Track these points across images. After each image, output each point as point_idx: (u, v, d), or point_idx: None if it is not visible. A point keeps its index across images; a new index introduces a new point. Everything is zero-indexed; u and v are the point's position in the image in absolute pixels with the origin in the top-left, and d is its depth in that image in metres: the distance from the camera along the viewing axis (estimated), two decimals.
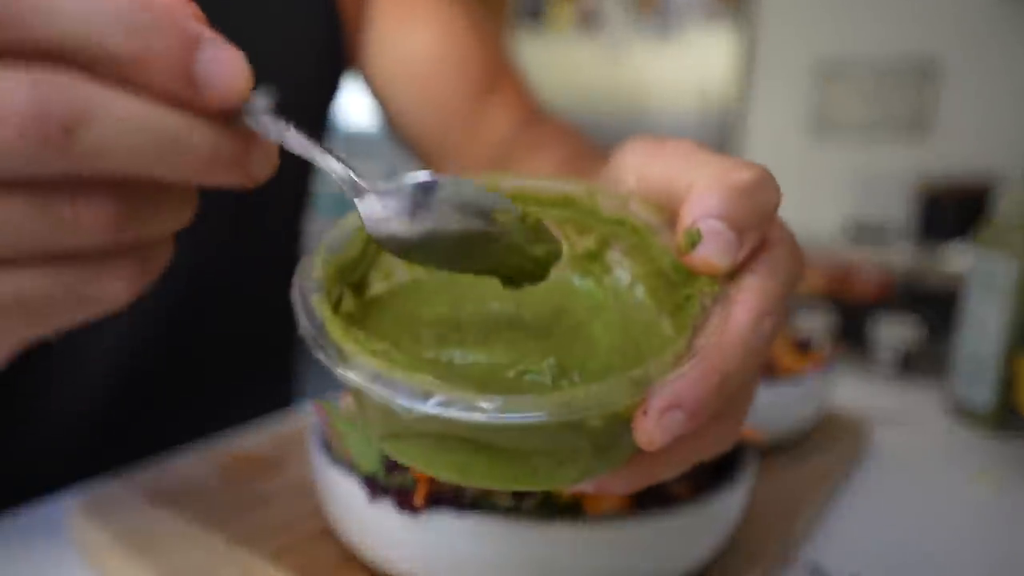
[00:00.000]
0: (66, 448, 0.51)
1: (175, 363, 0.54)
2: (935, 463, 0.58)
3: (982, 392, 0.64)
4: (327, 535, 0.38)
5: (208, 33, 0.17)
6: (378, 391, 0.19)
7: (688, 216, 0.22)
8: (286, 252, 0.60)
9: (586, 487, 0.23)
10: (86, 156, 0.16)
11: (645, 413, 0.20)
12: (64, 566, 0.38)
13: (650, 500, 0.32)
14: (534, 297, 0.27)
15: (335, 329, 0.21)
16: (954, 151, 2.21)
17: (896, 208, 2.24)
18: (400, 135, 0.58)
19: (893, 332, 0.82)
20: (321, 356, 0.20)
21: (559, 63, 2.67)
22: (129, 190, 0.18)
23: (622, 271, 0.28)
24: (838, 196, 2.38)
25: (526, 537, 0.29)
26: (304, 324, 0.21)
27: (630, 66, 2.56)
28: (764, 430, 0.38)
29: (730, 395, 0.21)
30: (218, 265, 0.54)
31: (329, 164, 0.22)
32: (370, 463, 0.33)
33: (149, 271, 0.21)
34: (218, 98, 0.17)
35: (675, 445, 0.21)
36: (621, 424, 0.21)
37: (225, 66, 0.17)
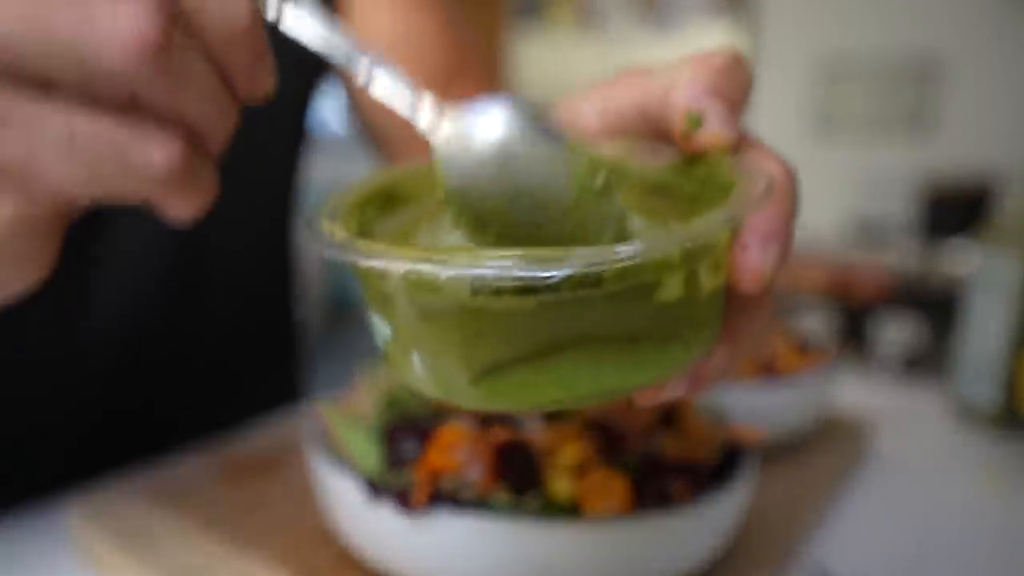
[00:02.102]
0: (64, 445, 0.51)
1: (169, 352, 0.54)
2: (938, 464, 0.58)
3: (985, 392, 0.64)
4: (326, 536, 0.37)
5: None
6: (500, 273, 0.17)
7: (683, 102, 0.23)
8: (279, 236, 0.60)
9: (695, 378, 0.23)
10: None
11: (745, 248, 0.20)
12: (63, 567, 0.38)
13: (649, 501, 0.32)
14: None
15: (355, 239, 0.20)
16: (957, 150, 2.20)
17: (899, 207, 2.24)
18: (367, 124, 0.57)
19: (895, 332, 0.82)
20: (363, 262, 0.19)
21: (559, 60, 2.66)
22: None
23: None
24: (840, 195, 2.38)
25: (526, 537, 0.29)
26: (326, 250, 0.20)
27: (630, 63, 2.54)
28: (766, 431, 0.38)
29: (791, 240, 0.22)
30: (211, 242, 0.53)
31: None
32: (369, 464, 0.33)
33: (194, 162, 0.21)
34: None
35: (752, 318, 0.22)
36: (716, 293, 0.20)
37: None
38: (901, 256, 1.13)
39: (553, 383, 0.20)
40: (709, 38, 2.43)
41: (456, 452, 0.31)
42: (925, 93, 2.25)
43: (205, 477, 0.44)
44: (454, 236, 0.22)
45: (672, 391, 0.23)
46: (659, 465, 0.33)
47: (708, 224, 0.19)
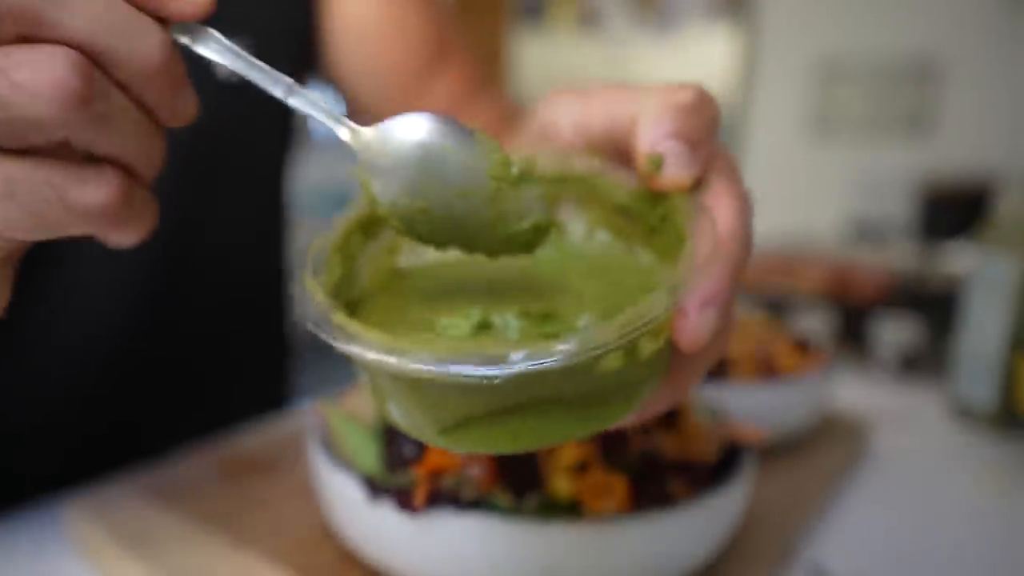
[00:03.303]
0: (63, 445, 0.51)
1: (162, 352, 0.54)
2: (936, 463, 0.58)
3: (983, 392, 0.64)
4: (326, 535, 0.38)
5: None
6: (452, 371, 0.19)
7: (646, 142, 0.24)
8: (270, 237, 0.61)
9: (641, 413, 0.24)
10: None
11: (686, 316, 0.21)
12: (62, 565, 0.38)
13: (649, 500, 0.32)
14: (507, 270, 0.27)
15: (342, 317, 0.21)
16: (955, 151, 2.20)
17: (897, 208, 2.24)
18: (348, 110, 0.57)
19: (894, 332, 0.82)
20: (350, 348, 0.20)
21: (560, 62, 2.67)
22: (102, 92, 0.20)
23: (577, 224, 0.28)
24: (839, 196, 2.38)
25: (525, 537, 0.29)
26: (308, 313, 0.21)
27: (631, 65, 2.55)
28: (765, 430, 0.38)
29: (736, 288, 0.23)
30: (201, 241, 0.53)
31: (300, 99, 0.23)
32: (369, 463, 0.33)
33: (130, 199, 0.22)
34: (181, 10, 0.21)
35: (694, 365, 0.24)
36: (659, 351, 0.22)
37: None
38: (899, 257, 1.13)
39: (507, 436, 0.22)
40: (709, 40, 2.43)
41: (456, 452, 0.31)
42: (923, 94, 2.25)
43: (204, 476, 0.44)
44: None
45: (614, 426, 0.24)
46: (658, 465, 0.33)
47: (646, 311, 0.20)
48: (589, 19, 2.60)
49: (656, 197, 0.25)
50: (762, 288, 1.00)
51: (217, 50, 0.22)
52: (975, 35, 2.16)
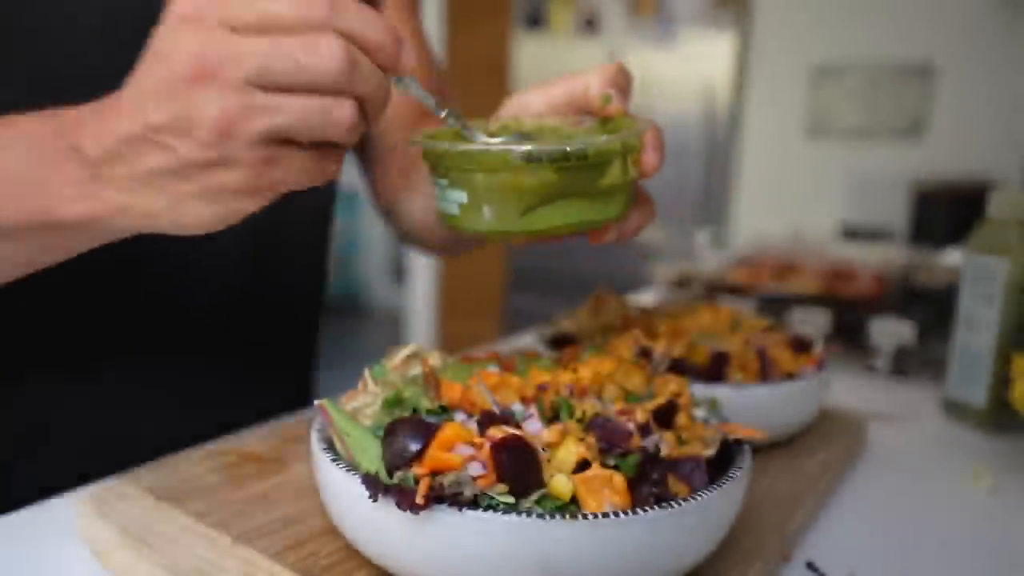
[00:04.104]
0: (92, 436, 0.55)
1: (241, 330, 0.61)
2: (930, 460, 0.58)
3: (976, 390, 0.65)
4: (330, 533, 0.38)
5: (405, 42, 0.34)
6: (549, 150, 0.36)
7: (598, 90, 0.43)
8: (323, 238, 0.70)
9: (620, 227, 0.42)
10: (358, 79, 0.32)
11: (645, 153, 0.41)
12: (71, 561, 0.38)
13: (648, 498, 0.32)
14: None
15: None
16: (948, 154, 2.21)
17: (891, 210, 2.25)
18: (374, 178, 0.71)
19: (888, 332, 0.82)
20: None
21: (559, 66, 2.68)
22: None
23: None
24: (834, 197, 2.39)
25: (526, 534, 0.29)
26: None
27: (629, 69, 2.56)
28: (761, 428, 0.38)
29: None
30: (283, 227, 0.62)
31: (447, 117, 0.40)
32: (371, 462, 0.33)
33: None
34: (404, 65, 0.35)
35: (645, 203, 0.44)
36: (631, 180, 0.41)
37: (410, 58, 0.34)
38: (894, 258, 1.14)
39: (555, 215, 0.39)
40: (705, 44, 2.45)
41: (457, 450, 0.32)
42: (915, 98, 2.27)
43: (210, 473, 0.44)
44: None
45: (610, 234, 0.43)
46: (657, 463, 0.33)
47: (631, 131, 0.40)
48: (588, 24, 2.62)
49: (605, 122, 0.44)
50: (759, 288, 1.01)
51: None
52: (968, 39, 2.17)
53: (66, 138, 0.34)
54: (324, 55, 0.31)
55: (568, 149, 0.36)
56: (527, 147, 0.36)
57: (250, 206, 0.34)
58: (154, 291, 0.55)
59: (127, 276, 0.54)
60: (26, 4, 0.46)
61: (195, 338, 0.58)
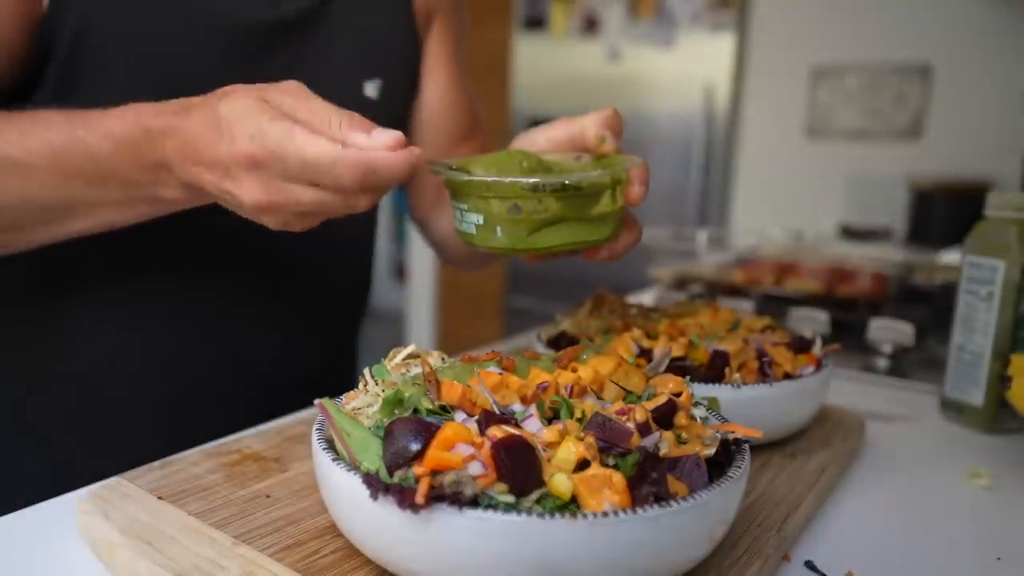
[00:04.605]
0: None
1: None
2: (928, 460, 0.58)
3: (974, 390, 0.65)
4: (330, 532, 0.38)
5: (417, 153, 0.41)
6: (547, 182, 0.44)
7: (594, 131, 0.51)
8: (369, 245, 0.78)
9: (615, 248, 0.51)
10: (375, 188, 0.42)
11: (631, 185, 0.48)
12: (72, 560, 0.38)
13: (647, 497, 0.32)
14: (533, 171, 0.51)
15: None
16: (947, 154, 2.22)
17: (890, 210, 2.25)
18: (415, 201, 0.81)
19: (887, 331, 0.83)
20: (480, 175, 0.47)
21: (560, 67, 2.68)
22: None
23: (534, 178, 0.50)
24: (833, 198, 2.39)
25: (526, 533, 0.30)
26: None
27: (628, 70, 2.56)
28: (760, 428, 0.38)
29: None
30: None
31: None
32: (372, 461, 0.33)
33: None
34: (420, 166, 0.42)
35: (633, 227, 0.52)
36: (620, 208, 0.48)
37: (420, 159, 0.41)
38: (893, 257, 1.14)
39: (556, 236, 0.47)
40: (704, 46, 2.45)
41: (457, 449, 0.32)
42: (914, 99, 2.27)
43: (210, 473, 0.44)
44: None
45: (602, 253, 0.51)
46: (656, 462, 0.33)
47: (619, 168, 0.48)
48: (588, 25, 2.62)
49: (600, 158, 0.52)
50: (758, 288, 1.01)
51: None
52: (966, 39, 2.17)
53: (155, 152, 0.44)
54: (354, 207, 0.42)
55: (567, 182, 0.45)
56: (534, 180, 0.44)
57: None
58: (221, 244, 0.63)
59: (198, 233, 0.61)
60: (154, 32, 0.54)
61: (251, 292, 0.65)
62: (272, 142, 0.39)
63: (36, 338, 0.61)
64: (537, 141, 0.54)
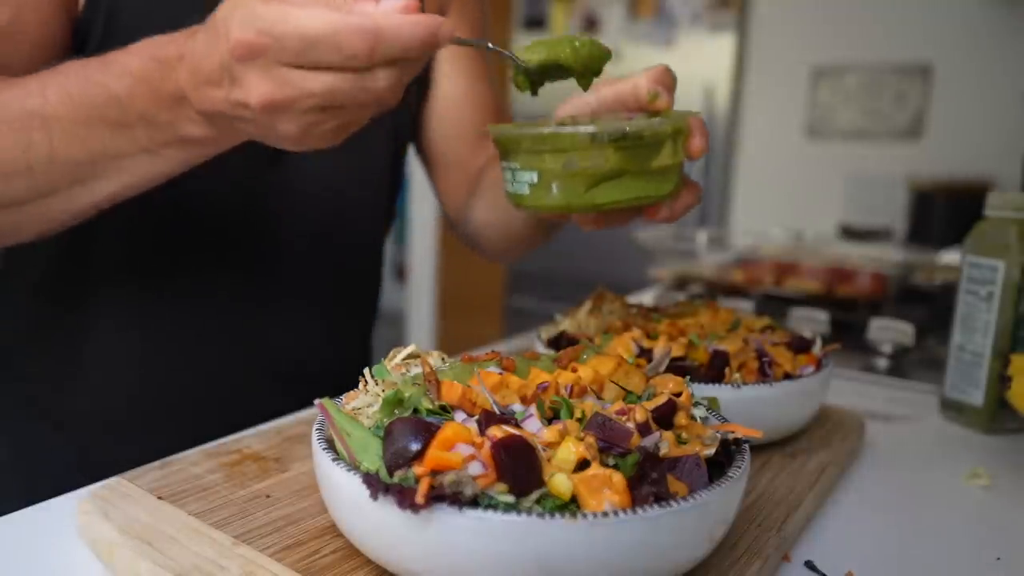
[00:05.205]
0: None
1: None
2: (928, 460, 0.58)
3: (974, 390, 0.65)
4: (330, 532, 0.38)
5: (440, 20, 0.37)
6: (611, 128, 0.43)
7: (647, 86, 0.50)
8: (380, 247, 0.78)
9: (671, 206, 0.49)
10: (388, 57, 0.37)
11: (692, 137, 0.47)
12: (72, 560, 0.38)
13: (647, 497, 0.32)
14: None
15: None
16: (947, 154, 2.22)
17: (890, 210, 2.25)
18: (421, 149, 0.81)
19: (887, 332, 0.83)
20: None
21: None
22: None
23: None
24: (833, 198, 2.39)
25: (525, 533, 0.30)
26: None
27: (628, 70, 2.55)
28: (760, 428, 0.38)
29: None
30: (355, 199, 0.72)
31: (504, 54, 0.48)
32: (372, 461, 0.33)
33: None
34: (446, 41, 0.38)
35: (692, 187, 0.50)
36: (681, 163, 0.47)
37: (449, 31, 0.38)
38: (893, 257, 1.14)
39: (615, 191, 0.45)
40: (704, 46, 2.45)
41: (457, 449, 0.32)
42: (914, 99, 2.27)
43: (211, 473, 0.44)
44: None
45: (663, 212, 0.49)
46: (656, 462, 0.33)
47: (680, 114, 0.47)
48: (588, 25, 2.62)
49: (653, 116, 0.49)
50: (758, 288, 1.01)
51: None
52: (966, 39, 2.17)
53: (170, 82, 0.41)
54: (372, 90, 0.38)
55: (627, 129, 0.43)
56: (591, 128, 0.43)
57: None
58: (245, 236, 0.64)
59: (225, 220, 0.62)
60: (176, 16, 0.53)
61: (263, 289, 0.66)
62: (265, 23, 0.36)
63: (49, 335, 0.62)
64: (586, 102, 0.53)
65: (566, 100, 0.54)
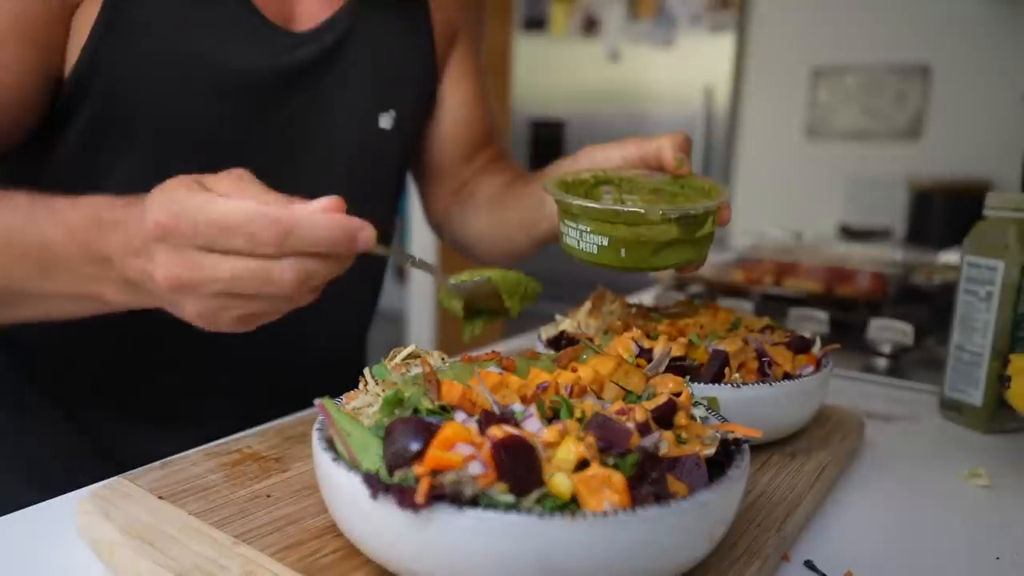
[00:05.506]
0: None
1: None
2: (928, 460, 0.59)
3: (973, 390, 0.65)
4: (330, 531, 0.38)
5: (362, 226, 0.40)
6: (678, 211, 0.50)
7: (671, 153, 0.57)
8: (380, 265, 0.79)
9: (698, 263, 0.56)
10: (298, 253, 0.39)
11: (723, 211, 0.54)
12: (72, 560, 0.38)
13: (647, 497, 0.32)
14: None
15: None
16: (946, 154, 2.22)
17: (889, 210, 2.25)
18: (414, 160, 0.82)
19: (886, 332, 0.83)
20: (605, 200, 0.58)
21: (560, 68, 2.69)
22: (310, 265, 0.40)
23: (629, 197, 0.60)
24: (833, 198, 2.39)
25: (526, 533, 0.30)
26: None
27: (628, 70, 2.57)
28: (760, 428, 0.38)
29: None
30: None
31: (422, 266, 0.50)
32: (372, 461, 0.33)
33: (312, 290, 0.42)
34: (363, 247, 0.40)
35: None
36: (711, 233, 0.53)
37: (368, 238, 0.40)
38: (892, 258, 1.14)
39: (671, 256, 0.52)
40: (704, 47, 2.45)
41: (457, 449, 0.32)
42: (913, 99, 2.27)
43: (211, 472, 0.44)
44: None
45: (693, 268, 0.56)
46: (656, 462, 0.34)
47: (723, 198, 0.54)
48: (588, 25, 2.62)
49: (677, 179, 0.59)
50: (758, 288, 1.01)
51: (383, 251, 0.44)
52: (965, 40, 2.17)
53: (102, 244, 0.42)
54: (277, 282, 0.38)
55: (691, 212, 0.50)
56: (662, 209, 0.50)
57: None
58: None
59: None
60: (150, 70, 0.55)
61: None
62: (182, 207, 0.37)
63: (49, 329, 0.63)
64: (612, 158, 0.59)
65: (579, 152, 0.62)
